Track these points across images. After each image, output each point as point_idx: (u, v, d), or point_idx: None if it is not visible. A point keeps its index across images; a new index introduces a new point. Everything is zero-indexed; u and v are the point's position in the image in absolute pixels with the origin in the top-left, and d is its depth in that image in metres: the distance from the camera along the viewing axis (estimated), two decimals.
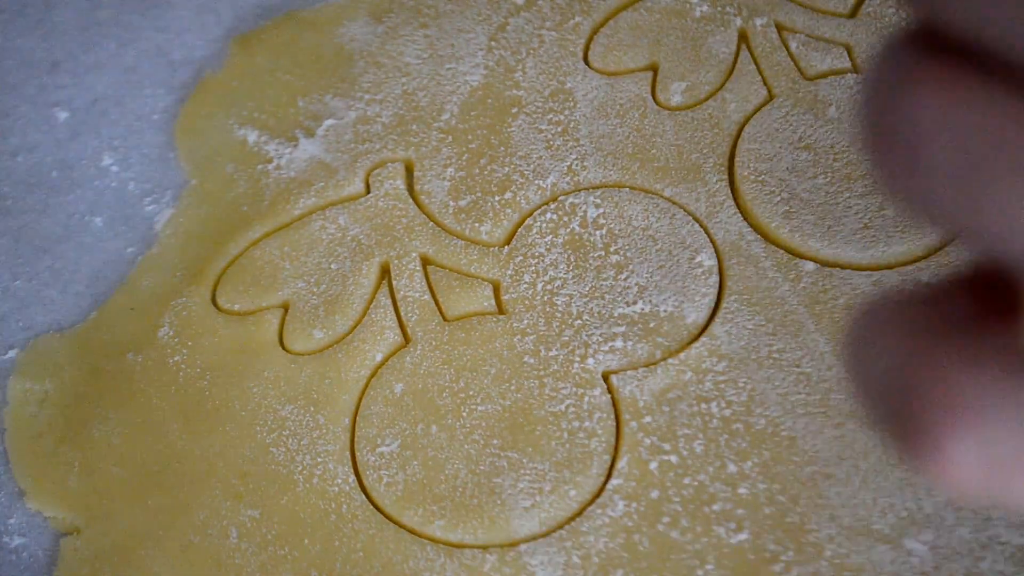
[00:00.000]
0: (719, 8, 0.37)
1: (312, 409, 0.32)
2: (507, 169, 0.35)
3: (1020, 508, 0.16)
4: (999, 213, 0.16)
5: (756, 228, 0.33)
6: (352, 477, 0.31)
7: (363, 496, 0.31)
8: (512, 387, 0.32)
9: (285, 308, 0.34)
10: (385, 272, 0.34)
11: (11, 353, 0.35)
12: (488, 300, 0.33)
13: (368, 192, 0.36)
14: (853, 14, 0.37)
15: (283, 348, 0.34)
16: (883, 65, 0.16)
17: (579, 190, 0.35)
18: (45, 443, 0.33)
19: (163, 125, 0.39)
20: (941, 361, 0.17)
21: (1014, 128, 0.15)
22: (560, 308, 0.33)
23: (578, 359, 0.32)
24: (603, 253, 0.33)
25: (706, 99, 0.36)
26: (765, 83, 0.36)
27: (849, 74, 0.35)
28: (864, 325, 0.18)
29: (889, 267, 0.32)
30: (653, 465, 0.30)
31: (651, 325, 0.32)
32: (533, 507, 0.30)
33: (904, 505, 0.28)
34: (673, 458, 0.30)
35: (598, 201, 0.34)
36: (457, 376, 0.32)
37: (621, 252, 0.33)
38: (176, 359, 0.34)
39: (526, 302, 0.33)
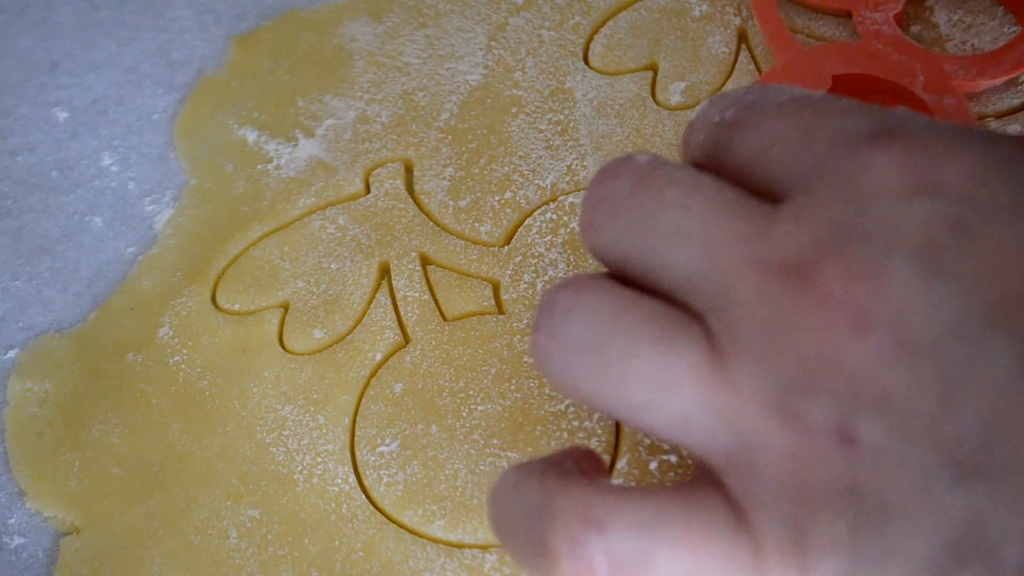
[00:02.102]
0: (718, 8, 0.37)
1: (312, 409, 0.32)
2: (507, 169, 0.35)
3: None
4: (615, 387, 0.22)
5: None
6: (352, 477, 0.31)
7: (363, 496, 0.31)
8: (512, 387, 0.32)
9: (285, 308, 0.34)
10: (385, 272, 0.34)
11: (11, 353, 0.35)
12: (488, 300, 0.33)
13: (368, 192, 0.36)
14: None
15: (283, 348, 0.34)
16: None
17: (579, 190, 0.35)
18: (45, 443, 0.33)
19: (163, 125, 0.39)
20: (571, 490, 0.21)
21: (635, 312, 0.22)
22: None
23: None
24: None
25: (706, 99, 0.36)
26: None
27: None
28: (504, 480, 0.23)
29: None
30: (653, 465, 0.30)
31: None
32: None
33: None
34: (673, 458, 0.30)
35: None
36: (457, 376, 0.32)
37: None
38: (176, 359, 0.34)
39: (526, 302, 0.33)
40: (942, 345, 0.19)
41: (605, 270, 0.24)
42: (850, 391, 0.20)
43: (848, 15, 0.36)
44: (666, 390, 0.21)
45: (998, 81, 0.33)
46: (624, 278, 0.23)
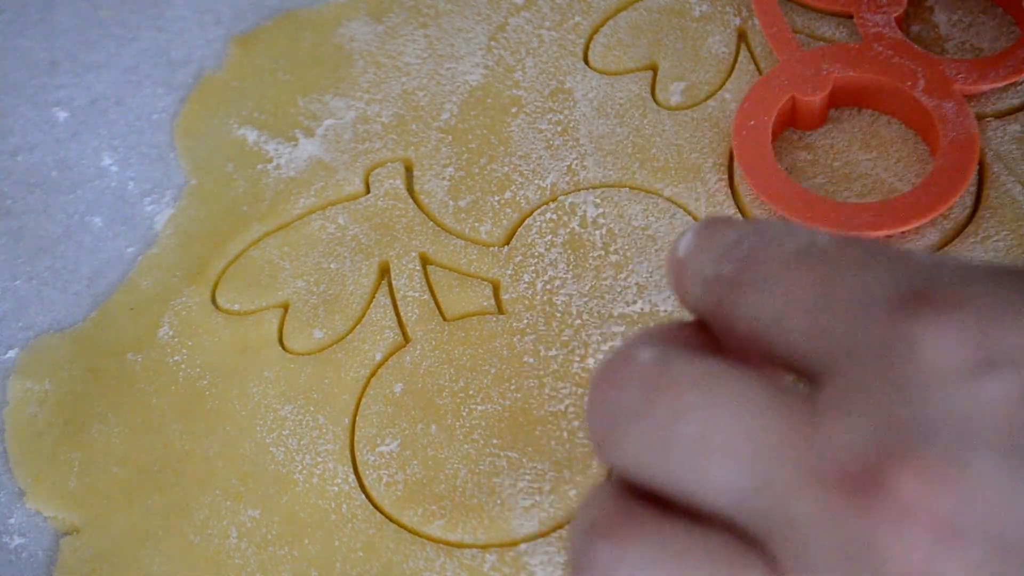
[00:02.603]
0: (718, 8, 0.37)
1: (312, 409, 0.32)
2: (507, 169, 0.35)
3: None
4: None
5: None
6: (352, 477, 0.31)
7: (363, 496, 0.31)
8: (512, 387, 0.32)
9: (285, 308, 0.34)
10: (385, 272, 0.34)
11: (11, 353, 0.35)
12: (488, 300, 0.33)
13: (368, 192, 0.36)
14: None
15: (283, 348, 0.34)
16: (584, 507, 0.21)
17: (579, 190, 0.35)
18: (45, 443, 0.33)
19: (163, 125, 0.39)
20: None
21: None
22: (560, 308, 0.33)
23: (578, 359, 0.32)
24: (603, 253, 0.33)
25: (706, 99, 0.36)
26: None
27: None
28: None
29: None
30: None
31: (651, 324, 0.32)
32: (533, 507, 0.30)
33: None
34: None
35: (597, 201, 0.34)
36: (457, 376, 0.32)
37: (621, 252, 0.33)
38: (176, 359, 0.34)
39: (526, 302, 0.33)
40: None
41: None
42: None
43: (849, 16, 0.36)
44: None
45: (999, 85, 0.33)
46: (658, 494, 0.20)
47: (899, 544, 0.17)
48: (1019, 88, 0.34)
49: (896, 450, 0.18)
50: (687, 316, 0.23)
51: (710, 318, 0.22)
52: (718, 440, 0.19)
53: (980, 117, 0.34)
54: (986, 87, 0.33)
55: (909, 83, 0.33)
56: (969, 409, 0.17)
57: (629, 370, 0.20)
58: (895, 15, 0.35)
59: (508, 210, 0.35)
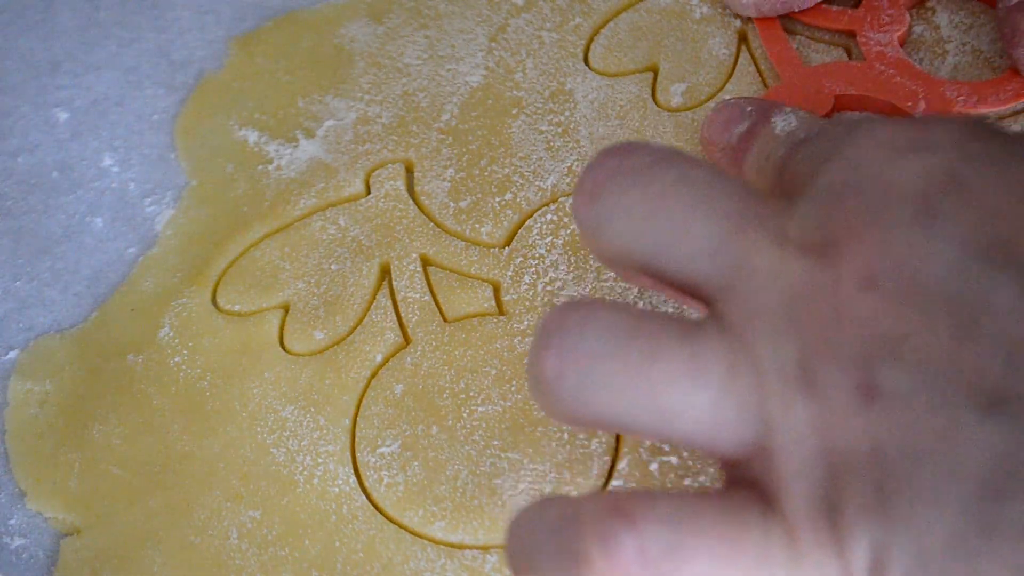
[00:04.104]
0: (719, 9, 0.37)
1: (312, 410, 0.32)
2: (507, 170, 0.35)
3: None
4: (641, 395, 0.21)
5: None
6: (352, 478, 0.31)
7: (364, 497, 0.31)
8: (512, 388, 0.32)
9: (285, 309, 0.34)
10: (385, 273, 0.34)
11: (11, 353, 0.35)
12: (488, 301, 0.33)
13: (368, 193, 0.36)
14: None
15: (283, 349, 0.34)
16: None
17: None
18: (45, 444, 0.33)
19: (163, 125, 0.39)
20: (600, 495, 0.21)
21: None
22: None
23: None
24: None
25: (706, 100, 0.36)
26: (765, 84, 0.36)
27: None
28: (527, 507, 0.22)
29: None
30: (653, 466, 0.30)
31: None
32: None
33: None
34: (674, 459, 0.30)
35: None
36: (457, 377, 0.32)
37: None
38: (176, 360, 0.34)
39: (526, 303, 0.33)
40: (947, 284, 0.19)
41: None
42: (865, 345, 0.20)
43: (852, 35, 0.36)
44: (693, 384, 0.21)
45: (999, 110, 0.33)
46: (619, 263, 0.23)
47: (830, 290, 0.20)
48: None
49: (837, 210, 0.21)
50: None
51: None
52: (711, 203, 0.22)
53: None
54: (985, 110, 0.33)
55: (909, 104, 0.33)
56: (894, 176, 0.21)
57: (644, 146, 0.23)
58: (897, 34, 0.35)
59: (509, 211, 0.35)
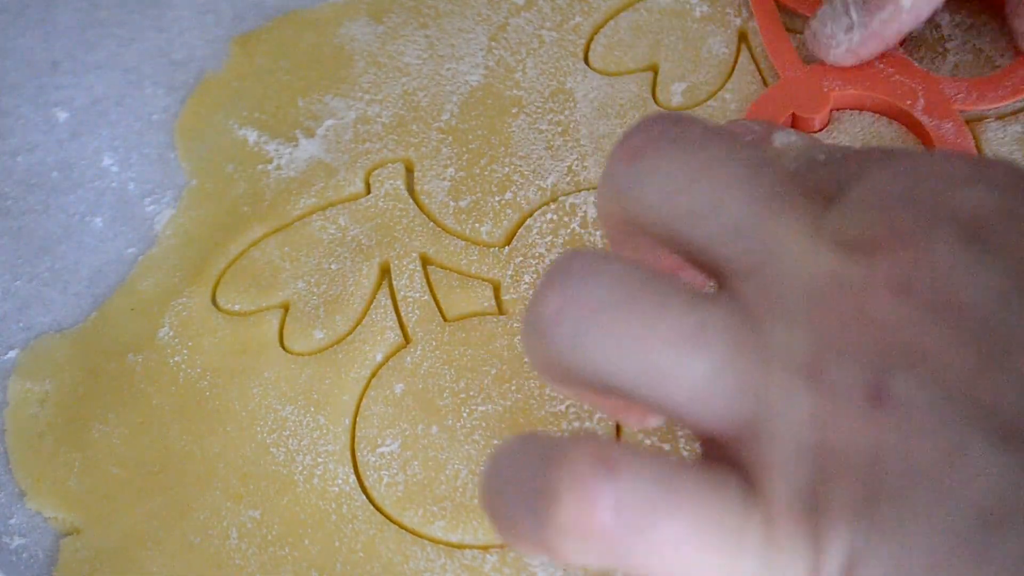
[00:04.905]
0: (719, 8, 0.37)
1: (312, 409, 0.32)
2: (507, 169, 0.35)
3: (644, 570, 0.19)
4: (638, 350, 0.20)
5: None
6: (352, 477, 0.31)
7: (363, 496, 0.31)
8: (512, 387, 0.32)
9: (285, 308, 0.34)
10: (385, 272, 0.34)
11: (11, 353, 0.35)
12: (488, 300, 0.33)
13: (368, 192, 0.36)
14: None
15: (283, 348, 0.34)
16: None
17: (579, 190, 0.35)
18: (45, 443, 0.33)
19: (163, 125, 0.39)
20: (586, 439, 0.20)
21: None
22: None
23: None
24: None
25: (706, 99, 0.36)
26: (765, 83, 0.36)
27: None
28: (507, 441, 0.21)
29: None
30: None
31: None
32: None
33: None
34: (673, 459, 0.30)
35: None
36: (457, 376, 0.32)
37: None
38: (176, 359, 0.34)
39: (526, 303, 0.33)
40: (984, 309, 0.19)
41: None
42: (884, 349, 0.19)
43: None
44: (695, 351, 0.20)
45: (997, 107, 0.33)
46: (645, 231, 0.23)
47: (859, 290, 0.20)
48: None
49: (881, 217, 0.21)
50: None
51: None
52: (752, 182, 0.21)
53: (980, 119, 0.34)
54: (984, 107, 0.33)
55: (909, 102, 0.33)
56: (951, 200, 0.21)
57: (695, 120, 0.23)
58: None
59: (509, 211, 0.35)
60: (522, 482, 0.20)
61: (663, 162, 0.22)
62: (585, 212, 0.34)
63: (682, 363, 0.20)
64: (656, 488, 0.19)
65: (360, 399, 0.32)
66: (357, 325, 0.33)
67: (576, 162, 0.35)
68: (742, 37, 0.37)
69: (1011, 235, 0.20)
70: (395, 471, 0.31)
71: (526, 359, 0.22)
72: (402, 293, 0.34)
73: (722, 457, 0.21)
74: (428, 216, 0.35)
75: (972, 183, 0.21)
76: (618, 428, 0.31)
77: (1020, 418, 0.18)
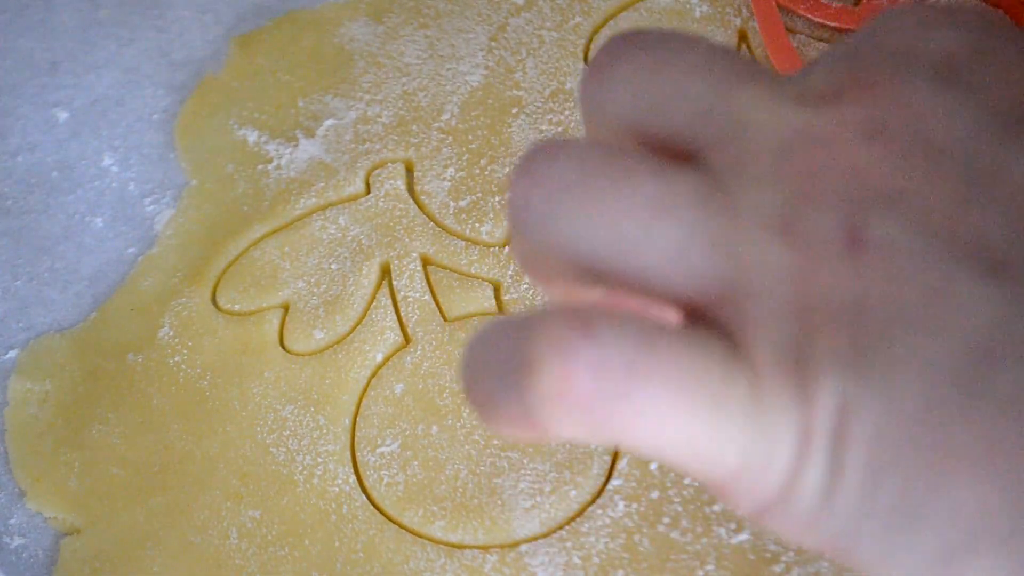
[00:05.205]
0: (719, 8, 0.37)
1: (312, 409, 0.32)
2: (507, 169, 0.35)
3: (629, 435, 0.19)
4: (606, 223, 0.20)
5: None
6: (352, 477, 0.31)
7: (363, 496, 0.31)
8: None
9: (285, 308, 0.34)
10: (385, 272, 0.34)
11: (11, 353, 0.35)
12: (489, 301, 0.33)
13: (368, 192, 0.36)
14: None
15: (283, 348, 0.34)
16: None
17: None
18: (45, 443, 0.33)
19: (163, 125, 0.39)
20: (552, 311, 0.19)
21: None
22: None
23: None
24: None
25: None
26: None
27: None
28: (474, 338, 0.20)
29: None
30: (653, 465, 0.30)
31: None
32: (534, 507, 0.30)
33: None
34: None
35: None
36: (457, 376, 0.32)
37: None
38: (176, 359, 0.34)
39: (527, 303, 0.33)
40: (961, 145, 0.19)
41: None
42: (859, 193, 0.18)
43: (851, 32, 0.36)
44: (665, 215, 0.19)
45: None
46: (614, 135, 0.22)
47: (829, 140, 0.19)
48: None
49: (848, 69, 0.20)
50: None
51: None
52: (716, 66, 0.21)
53: None
54: None
55: None
56: (919, 44, 0.20)
57: (632, 41, 0.22)
58: None
59: None
60: (500, 359, 0.20)
61: (624, 67, 0.21)
62: None
63: (653, 229, 0.19)
64: (636, 349, 0.19)
65: (360, 399, 0.32)
66: (357, 325, 0.33)
67: None
68: (742, 37, 0.37)
69: (987, 73, 0.20)
70: (395, 471, 0.31)
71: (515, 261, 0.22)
72: (402, 293, 0.34)
73: (703, 323, 0.20)
74: (428, 216, 0.35)
75: (943, 27, 0.20)
76: None
77: (1007, 249, 0.18)
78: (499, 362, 0.19)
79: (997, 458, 0.17)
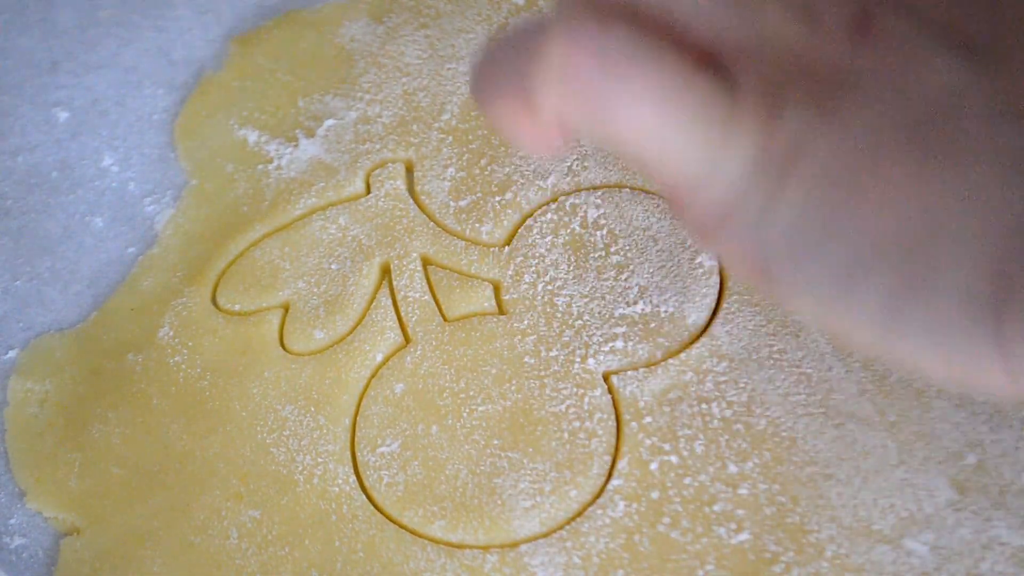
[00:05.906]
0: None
1: (313, 409, 0.32)
2: (507, 169, 0.35)
3: (617, 125, 0.20)
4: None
5: None
6: (353, 477, 0.31)
7: (364, 496, 0.31)
8: (513, 387, 0.32)
9: (285, 308, 0.34)
10: (385, 272, 0.34)
11: (11, 353, 0.35)
12: (488, 300, 0.33)
13: (368, 192, 0.36)
14: None
15: (284, 348, 0.34)
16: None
17: (580, 190, 0.35)
18: (45, 443, 0.33)
19: (163, 125, 0.39)
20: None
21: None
22: (561, 308, 0.33)
23: (579, 359, 0.32)
24: (604, 253, 0.33)
25: None
26: None
27: None
28: (487, 50, 0.21)
29: None
30: (654, 466, 0.30)
31: (652, 325, 0.32)
32: (534, 507, 0.30)
33: (905, 506, 0.29)
34: (674, 458, 0.30)
35: (599, 201, 0.34)
36: (457, 376, 0.32)
37: (622, 252, 0.33)
38: (176, 359, 0.34)
39: (526, 302, 0.33)
40: None
41: None
42: None
43: None
44: None
45: None
46: None
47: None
48: None
49: None
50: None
51: None
52: None
53: None
54: None
55: None
56: None
57: None
58: None
59: (509, 211, 0.35)
60: (512, 50, 0.21)
61: None
62: (585, 212, 0.34)
63: None
64: (640, 47, 0.20)
65: (360, 399, 0.32)
66: (357, 325, 0.33)
67: (576, 162, 0.35)
68: None
69: None
70: (395, 471, 0.31)
71: None
72: (402, 293, 0.34)
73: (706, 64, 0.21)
74: (428, 216, 0.35)
75: None
76: (618, 428, 0.31)
77: (979, 33, 0.19)
78: (509, 56, 0.21)
79: (911, 199, 0.19)
